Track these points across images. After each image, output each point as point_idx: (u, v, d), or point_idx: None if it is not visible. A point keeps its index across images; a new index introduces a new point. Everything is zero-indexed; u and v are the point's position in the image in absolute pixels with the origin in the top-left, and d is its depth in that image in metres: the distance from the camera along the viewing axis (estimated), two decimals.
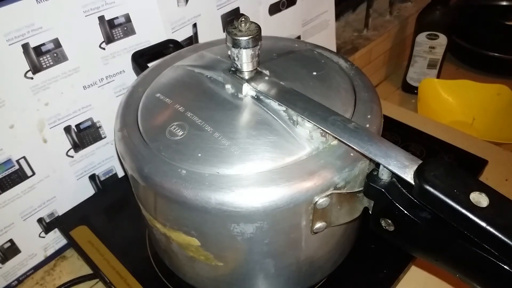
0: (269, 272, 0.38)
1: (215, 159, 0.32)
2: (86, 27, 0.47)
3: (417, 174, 0.27)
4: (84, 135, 0.53)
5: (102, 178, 0.58)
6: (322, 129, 0.33)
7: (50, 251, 0.56)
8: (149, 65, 0.46)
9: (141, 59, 0.49)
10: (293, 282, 0.40)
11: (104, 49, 0.50)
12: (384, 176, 0.31)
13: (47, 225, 0.54)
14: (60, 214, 0.54)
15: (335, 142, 0.33)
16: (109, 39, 0.49)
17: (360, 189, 0.32)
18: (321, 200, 0.31)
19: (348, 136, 0.31)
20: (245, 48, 0.35)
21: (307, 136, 0.33)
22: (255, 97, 0.37)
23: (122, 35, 0.50)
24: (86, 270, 0.53)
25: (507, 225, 0.24)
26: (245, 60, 0.36)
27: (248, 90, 0.38)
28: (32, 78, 0.45)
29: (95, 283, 0.52)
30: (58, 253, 0.56)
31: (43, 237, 0.54)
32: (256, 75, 0.38)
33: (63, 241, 0.56)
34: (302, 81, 0.39)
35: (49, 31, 0.44)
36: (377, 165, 0.30)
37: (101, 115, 0.53)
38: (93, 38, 0.48)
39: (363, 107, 0.37)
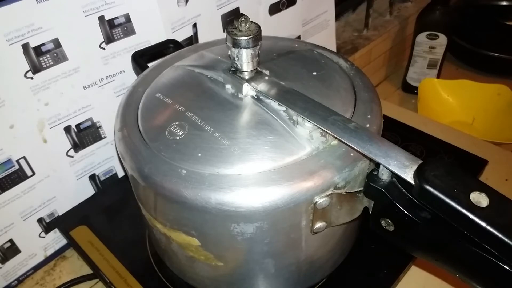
0: (269, 272, 0.38)
1: (215, 159, 0.32)
2: (86, 27, 0.47)
3: (417, 174, 0.27)
4: (84, 135, 0.53)
5: (102, 178, 0.58)
6: (322, 129, 0.33)
7: (50, 251, 0.56)
8: (149, 65, 0.46)
9: (141, 59, 0.49)
10: (293, 282, 0.40)
11: (104, 49, 0.50)
12: (384, 176, 0.31)
13: (47, 225, 0.54)
14: (60, 214, 0.54)
15: (335, 142, 0.33)
16: (109, 39, 0.49)
17: (360, 189, 0.32)
18: (321, 200, 0.31)
19: (348, 136, 0.31)
20: (245, 48, 0.35)
21: (307, 136, 0.33)
22: (255, 97, 0.37)
23: (122, 35, 0.50)
24: (86, 270, 0.53)
25: (507, 225, 0.24)
26: (245, 60, 0.36)
27: (248, 90, 0.38)
28: (32, 78, 0.45)
29: (95, 283, 0.52)
30: (58, 253, 0.56)
31: (43, 237, 0.54)
32: (256, 75, 0.38)
33: (63, 241, 0.56)
34: (302, 81, 0.39)
35: (49, 31, 0.44)
36: (377, 165, 0.30)
37: (101, 115, 0.53)
38: (93, 38, 0.48)
39: (363, 107, 0.37)
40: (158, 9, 0.51)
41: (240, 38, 0.35)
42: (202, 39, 0.58)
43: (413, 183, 0.28)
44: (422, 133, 0.63)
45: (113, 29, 0.49)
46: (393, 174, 0.30)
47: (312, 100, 0.35)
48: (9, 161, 0.47)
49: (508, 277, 0.25)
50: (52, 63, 0.46)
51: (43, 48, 0.45)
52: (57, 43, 0.46)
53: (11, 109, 0.45)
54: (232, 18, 0.57)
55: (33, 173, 0.50)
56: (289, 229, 0.34)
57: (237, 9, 0.61)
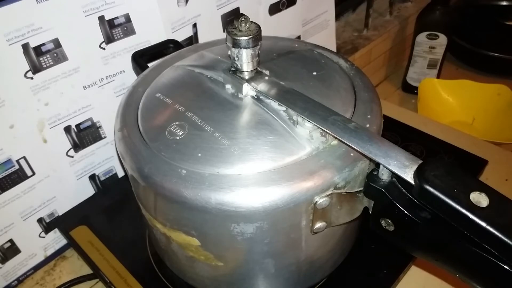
0: (269, 272, 0.38)
1: (215, 159, 0.32)
2: (86, 27, 0.47)
3: (417, 174, 0.27)
4: (84, 135, 0.53)
5: (102, 178, 0.58)
6: (322, 129, 0.33)
7: (50, 251, 0.56)
8: (149, 65, 0.46)
9: (141, 59, 0.49)
10: (293, 282, 0.40)
11: (104, 49, 0.50)
12: (384, 176, 0.31)
13: (47, 225, 0.54)
14: (60, 214, 0.54)
15: (335, 142, 0.33)
16: (109, 39, 0.49)
17: (360, 189, 0.32)
18: (321, 200, 0.31)
19: (348, 136, 0.31)
20: (245, 48, 0.35)
21: (307, 136, 0.33)
22: (255, 97, 0.37)
23: (122, 35, 0.50)
24: (86, 270, 0.53)
25: (507, 225, 0.24)
26: (245, 60, 0.36)
27: (248, 90, 0.38)
28: (32, 78, 0.45)
29: (95, 283, 0.52)
30: (58, 253, 0.56)
31: (43, 237, 0.54)
32: (256, 75, 0.38)
33: (63, 241, 0.56)
34: (302, 81, 0.39)
35: (49, 31, 0.44)
36: (377, 165, 0.30)
37: (101, 115, 0.53)
38: (93, 38, 0.48)
39: (363, 107, 0.37)
40: (158, 9, 0.51)
41: (240, 38, 0.35)
42: (202, 39, 0.58)
43: (413, 183, 0.28)
44: (422, 133, 0.63)
45: (113, 29, 0.49)
46: (393, 174, 0.30)
47: (312, 100, 0.35)
48: (9, 161, 0.47)
49: (508, 277, 0.25)
50: (52, 63, 0.46)
51: (43, 48, 0.45)
52: (57, 43, 0.45)
53: (11, 109, 0.45)
54: (232, 18, 0.57)
55: (33, 173, 0.50)
56: (289, 229, 0.34)
57: (237, 9, 0.61)
